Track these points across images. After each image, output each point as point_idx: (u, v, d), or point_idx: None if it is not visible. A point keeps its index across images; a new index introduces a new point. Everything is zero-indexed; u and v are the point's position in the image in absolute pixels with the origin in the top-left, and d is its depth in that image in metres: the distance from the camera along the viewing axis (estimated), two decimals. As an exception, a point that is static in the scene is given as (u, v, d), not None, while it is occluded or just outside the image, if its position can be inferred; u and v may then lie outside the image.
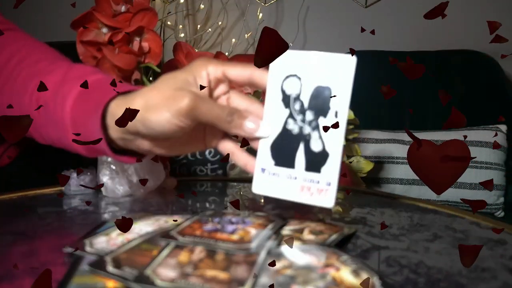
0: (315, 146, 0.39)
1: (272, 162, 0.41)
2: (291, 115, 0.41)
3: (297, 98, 0.40)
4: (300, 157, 0.40)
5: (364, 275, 0.33)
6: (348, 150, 0.96)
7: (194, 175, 0.74)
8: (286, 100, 0.41)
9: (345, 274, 0.33)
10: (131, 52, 0.76)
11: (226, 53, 1.61)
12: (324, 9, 1.70)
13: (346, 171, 0.84)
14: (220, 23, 1.71)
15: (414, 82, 1.47)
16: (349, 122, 0.94)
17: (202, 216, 0.46)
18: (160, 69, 0.82)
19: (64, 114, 0.46)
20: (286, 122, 0.41)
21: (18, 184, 0.63)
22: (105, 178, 0.59)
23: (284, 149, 0.41)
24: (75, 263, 0.35)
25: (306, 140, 0.40)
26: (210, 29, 1.72)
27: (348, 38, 1.66)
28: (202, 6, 1.72)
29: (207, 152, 0.74)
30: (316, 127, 0.40)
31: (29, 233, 0.45)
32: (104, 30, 0.79)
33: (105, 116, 0.43)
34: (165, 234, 0.40)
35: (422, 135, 1.31)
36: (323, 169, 0.39)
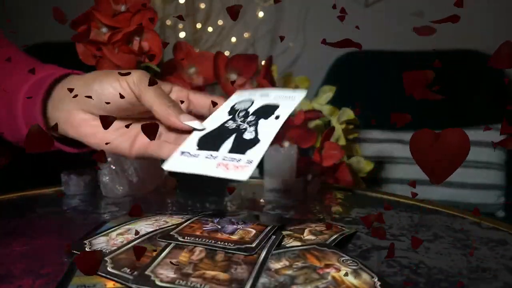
0: (247, 136, 0.41)
1: (196, 147, 0.42)
2: (233, 119, 0.44)
3: (244, 110, 0.44)
4: (228, 143, 0.41)
5: (364, 276, 0.32)
6: (348, 150, 0.96)
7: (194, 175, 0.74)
8: (233, 112, 0.45)
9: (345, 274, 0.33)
10: (131, 52, 0.76)
11: (226, 53, 1.61)
12: (324, 8, 1.70)
13: (346, 171, 0.84)
14: (220, 23, 1.71)
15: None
16: (349, 122, 0.93)
17: (202, 216, 0.46)
18: (160, 69, 0.82)
19: (18, 108, 0.48)
20: (225, 122, 0.43)
21: (17, 185, 0.63)
22: (105, 178, 0.59)
23: (214, 138, 0.42)
24: (75, 263, 0.35)
25: (241, 131, 0.42)
26: (210, 28, 1.72)
27: (348, 38, 1.66)
28: (202, 6, 1.71)
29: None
30: (254, 124, 0.42)
31: (29, 233, 0.45)
32: (104, 29, 0.79)
33: (47, 100, 0.46)
34: (165, 234, 0.40)
35: (422, 135, 1.31)
36: (249, 151, 0.39)
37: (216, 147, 0.41)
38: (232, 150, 0.40)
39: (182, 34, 1.70)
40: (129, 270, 0.33)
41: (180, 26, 1.70)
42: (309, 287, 0.31)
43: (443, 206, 0.56)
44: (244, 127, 0.42)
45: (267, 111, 0.43)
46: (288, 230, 0.42)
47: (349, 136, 0.95)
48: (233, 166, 0.38)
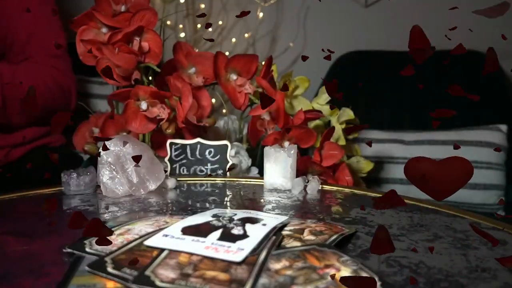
0: (236, 231, 0.40)
1: (180, 232, 0.40)
2: (218, 220, 0.43)
3: (228, 217, 0.45)
4: (215, 234, 0.39)
5: (364, 276, 0.32)
6: (348, 150, 0.96)
7: (194, 175, 0.74)
8: (216, 216, 0.45)
9: (345, 274, 0.33)
10: (131, 52, 0.76)
11: (226, 53, 1.61)
12: (324, 9, 1.70)
13: (346, 171, 0.84)
14: (220, 22, 1.71)
15: (414, 82, 1.47)
16: (349, 122, 0.93)
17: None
18: (160, 69, 0.82)
19: None
20: (210, 221, 0.43)
21: (18, 184, 0.63)
22: (105, 178, 0.59)
23: (199, 229, 0.41)
24: (75, 263, 0.35)
25: (228, 228, 0.41)
26: (210, 28, 1.72)
27: (348, 38, 1.66)
28: (202, 6, 1.71)
29: (207, 152, 0.74)
30: (241, 225, 0.42)
31: (29, 233, 0.45)
32: (104, 29, 0.79)
33: None
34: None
35: (422, 135, 1.31)
36: (239, 241, 0.38)
37: (203, 235, 0.39)
38: (221, 239, 0.38)
39: (182, 34, 1.70)
40: (129, 270, 0.33)
41: (180, 26, 1.70)
42: (309, 287, 0.31)
43: (443, 206, 0.56)
44: (231, 226, 0.42)
45: (252, 220, 0.44)
46: (288, 230, 0.42)
47: (349, 136, 0.95)
48: (223, 250, 0.36)
